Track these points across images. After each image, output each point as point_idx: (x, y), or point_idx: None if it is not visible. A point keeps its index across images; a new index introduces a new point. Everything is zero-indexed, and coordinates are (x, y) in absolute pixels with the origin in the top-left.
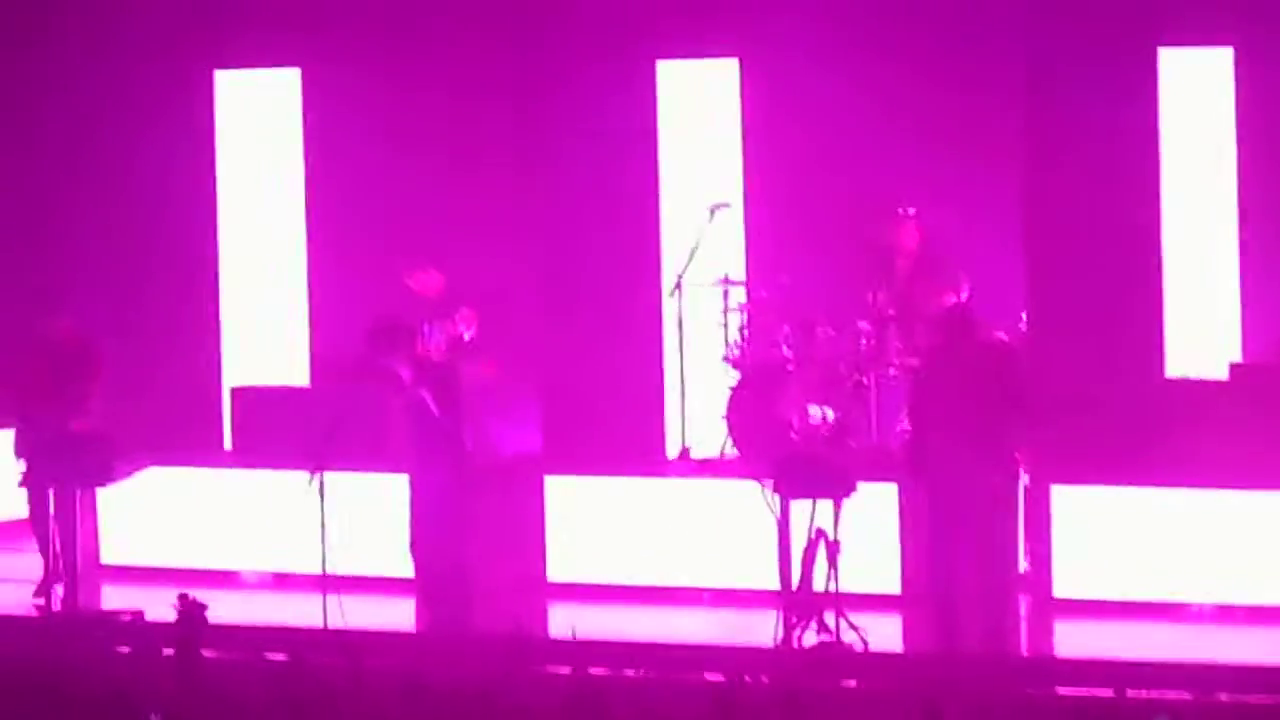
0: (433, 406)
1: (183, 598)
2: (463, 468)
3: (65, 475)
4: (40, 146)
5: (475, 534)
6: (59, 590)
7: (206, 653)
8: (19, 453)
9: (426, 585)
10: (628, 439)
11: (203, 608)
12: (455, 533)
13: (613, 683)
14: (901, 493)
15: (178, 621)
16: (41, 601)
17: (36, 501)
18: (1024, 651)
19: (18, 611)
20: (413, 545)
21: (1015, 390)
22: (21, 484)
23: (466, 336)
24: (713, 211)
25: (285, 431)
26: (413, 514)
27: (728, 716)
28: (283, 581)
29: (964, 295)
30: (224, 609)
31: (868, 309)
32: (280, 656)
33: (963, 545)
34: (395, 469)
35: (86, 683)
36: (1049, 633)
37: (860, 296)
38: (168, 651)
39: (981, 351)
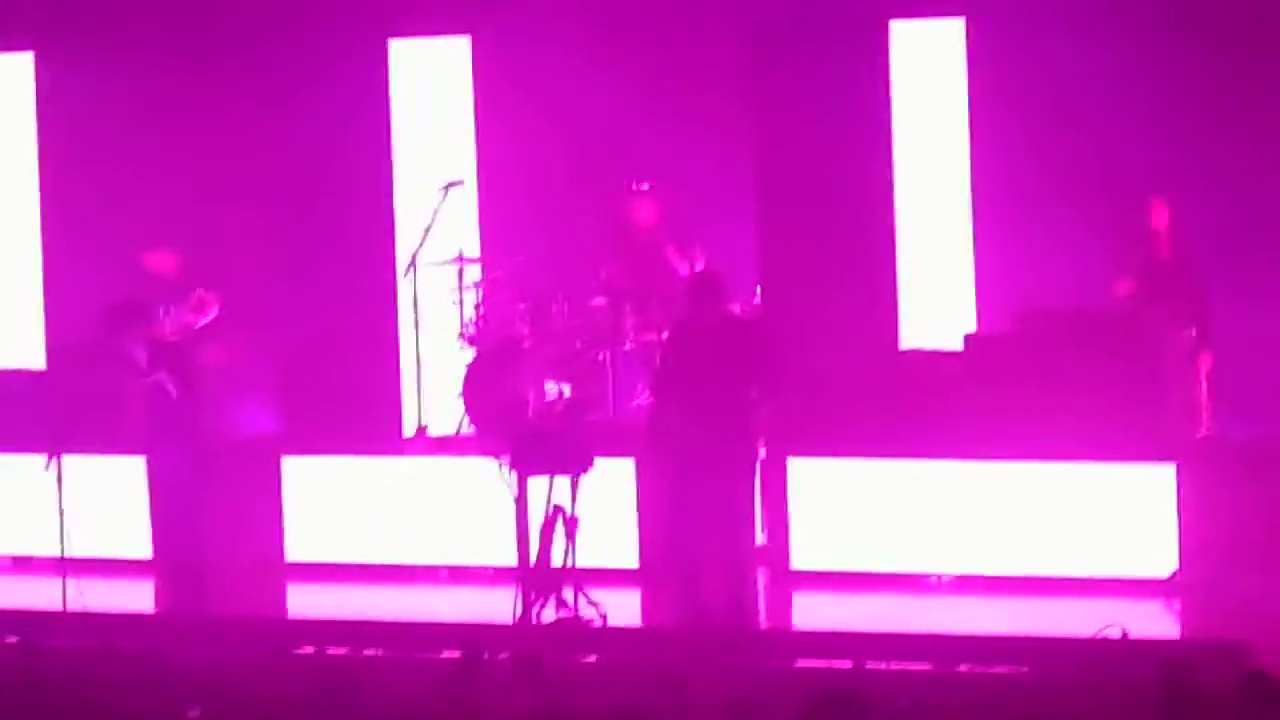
0: (170, 388)
1: None
2: (199, 450)
3: None
4: None
5: (213, 515)
6: None
7: None
8: None
9: (165, 567)
10: (365, 418)
11: None
12: (193, 515)
13: (353, 662)
14: (639, 467)
15: None
16: None
17: None
18: (763, 624)
19: None
20: (152, 527)
21: (752, 363)
22: None
23: (202, 321)
24: (446, 189)
25: (21, 415)
26: (150, 496)
27: (468, 693)
28: (21, 565)
29: (700, 269)
30: None
31: (603, 285)
32: (16, 639)
33: (702, 518)
34: (132, 451)
35: None
36: (787, 605)
37: (596, 273)
38: None
39: (719, 325)
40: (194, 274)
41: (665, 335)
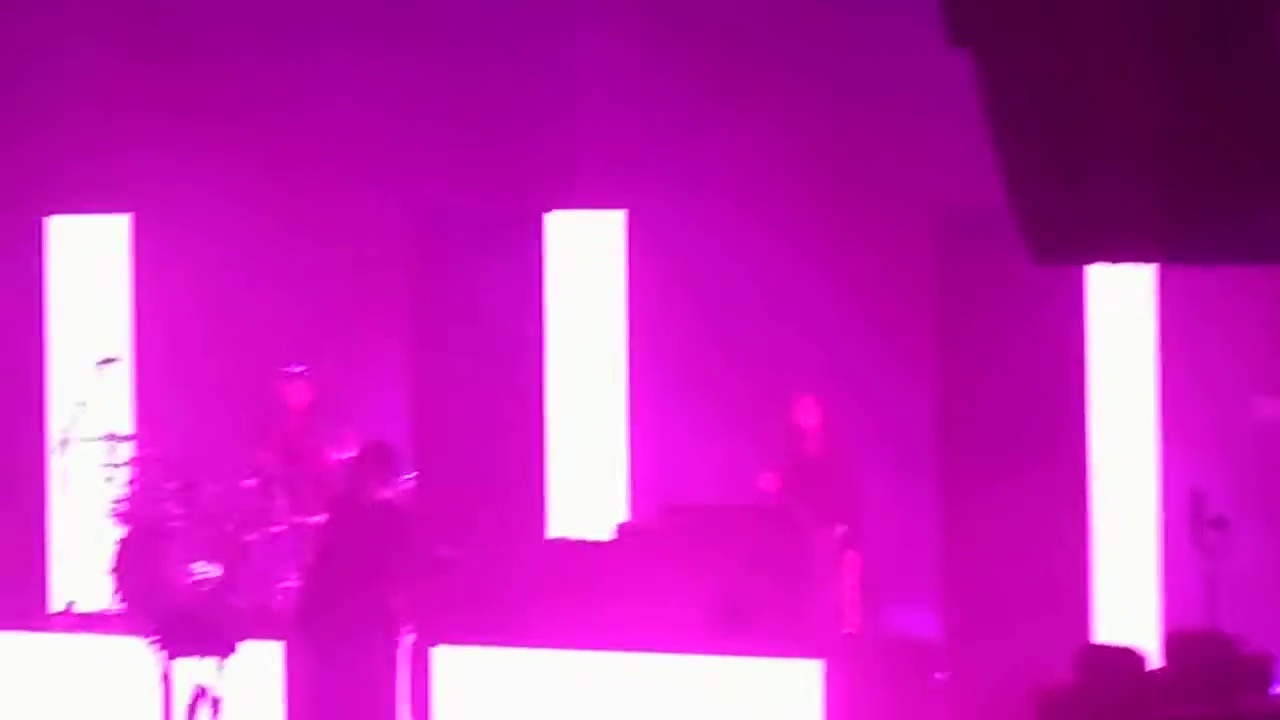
0: None
1: None
2: None
3: None
4: None
5: None
6: None
7: None
8: None
9: None
10: (12, 592)
11: None
12: None
13: None
14: (287, 651)
15: None
16: None
17: None
18: None
19: None
20: None
21: (399, 547)
22: None
23: None
24: (101, 365)
25: None
26: None
27: None
28: None
29: (352, 453)
30: None
31: (254, 466)
32: None
33: (347, 705)
34: None
35: None
36: None
37: (247, 454)
38: None
39: (370, 509)
40: None
41: (317, 515)
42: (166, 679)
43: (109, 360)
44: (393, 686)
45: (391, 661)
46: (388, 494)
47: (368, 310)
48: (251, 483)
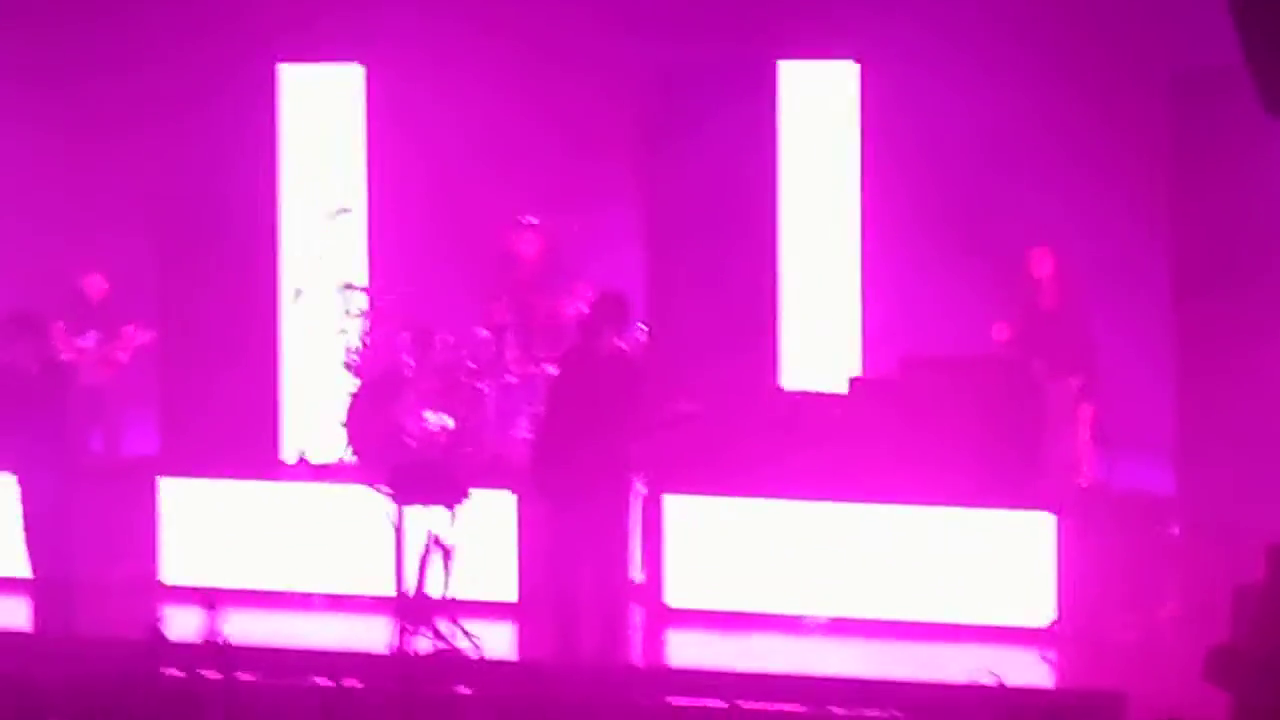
0: (44, 407)
1: None
2: (69, 469)
3: None
4: None
5: (88, 535)
6: None
7: None
8: None
9: (38, 586)
10: (245, 443)
11: None
12: (63, 534)
13: (224, 686)
14: (519, 501)
15: None
16: None
17: None
18: (637, 661)
19: None
20: (25, 546)
21: (634, 399)
22: None
23: (125, 356)
24: (334, 216)
25: None
26: (22, 515)
27: None
28: None
29: (586, 305)
30: None
31: (487, 317)
32: None
33: (579, 553)
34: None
35: None
36: (661, 642)
37: (480, 305)
38: None
39: (604, 361)
40: (121, 304)
41: (553, 367)
42: (399, 528)
43: (342, 211)
44: (625, 535)
45: (624, 510)
46: (622, 345)
47: (600, 162)
48: (484, 333)
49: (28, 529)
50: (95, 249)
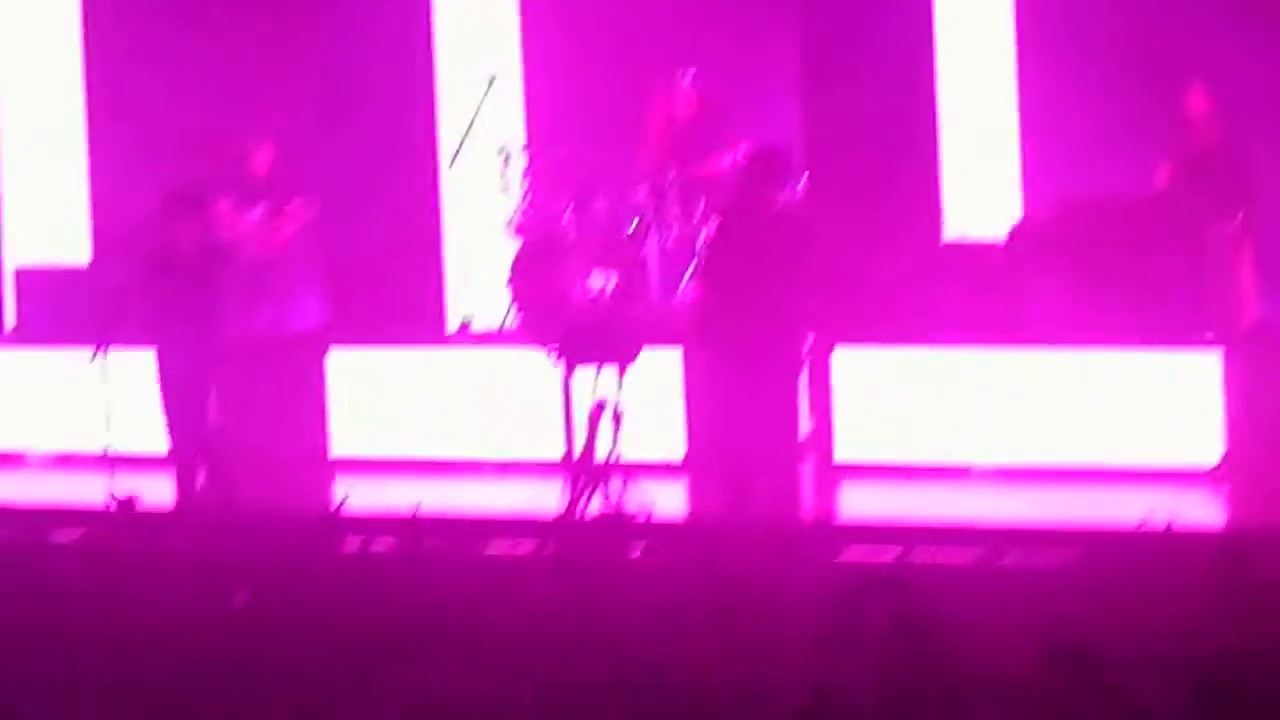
0: (193, 288)
1: None
2: (211, 353)
3: None
4: None
5: (256, 410)
6: None
7: None
8: None
9: (179, 463)
10: (410, 312)
11: None
12: (202, 415)
13: (399, 556)
14: (685, 359)
15: None
16: None
17: None
18: (808, 515)
19: None
20: (165, 423)
21: (797, 253)
22: None
23: (288, 229)
24: (491, 80)
25: (68, 310)
26: (160, 393)
27: (513, 587)
28: (66, 461)
29: (743, 159)
30: (9, 490)
31: (647, 175)
32: (62, 537)
33: (747, 409)
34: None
35: None
36: (832, 496)
37: (642, 163)
38: None
39: (764, 216)
40: (285, 178)
41: (712, 223)
42: (567, 390)
43: (491, 80)
44: (794, 390)
45: (793, 364)
46: (781, 199)
47: (754, 12)
48: (644, 191)
49: (166, 408)
50: (263, 121)
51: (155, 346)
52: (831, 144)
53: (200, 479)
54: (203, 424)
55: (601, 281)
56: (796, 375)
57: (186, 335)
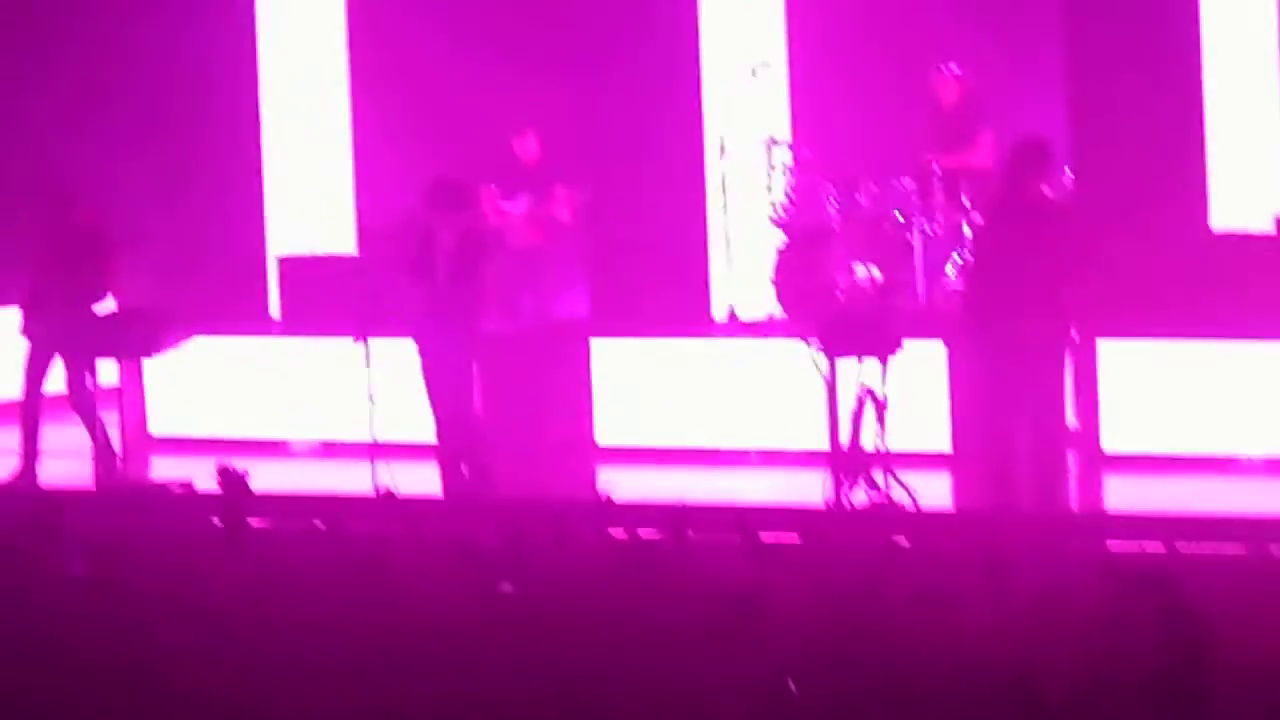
0: (454, 279)
1: (223, 469)
2: (472, 341)
3: (111, 348)
4: (80, 20)
5: (522, 398)
6: (113, 462)
7: (254, 522)
8: (26, 332)
9: (444, 451)
10: (674, 302)
11: (243, 476)
12: (466, 403)
13: (665, 545)
14: (950, 350)
15: (221, 492)
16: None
17: (74, 378)
18: (1074, 507)
19: (68, 485)
20: (431, 411)
21: (1064, 245)
22: (30, 363)
23: (561, 217)
24: (755, 72)
25: (333, 300)
26: (424, 381)
27: (780, 575)
28: (330, 449)
29: (1010, 151)
30: (272, 478)
31: (912, 166)
32: (325, 524)
33: (1015, 402)
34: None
35: (144, 554)
36: (1098, 488)
37: (905, 154)
38: (216, 521)
39: (1031, 208)
40: (555, 166)
41: (976, 214)
42: (831, 381)
43: (762, 65)
44: (1060, 382)
45: (1059, 357)
46: (1048, 191)
47: (1018, 3)
48: (909, 182)
49: (431, 397)
50: (529, 111)
51: (418, 335)
52: (1097, 135)
53: (464, 467)
54: (466, 413)
55: (865, 273)
56: (1062, 366)
57: (450, 324)
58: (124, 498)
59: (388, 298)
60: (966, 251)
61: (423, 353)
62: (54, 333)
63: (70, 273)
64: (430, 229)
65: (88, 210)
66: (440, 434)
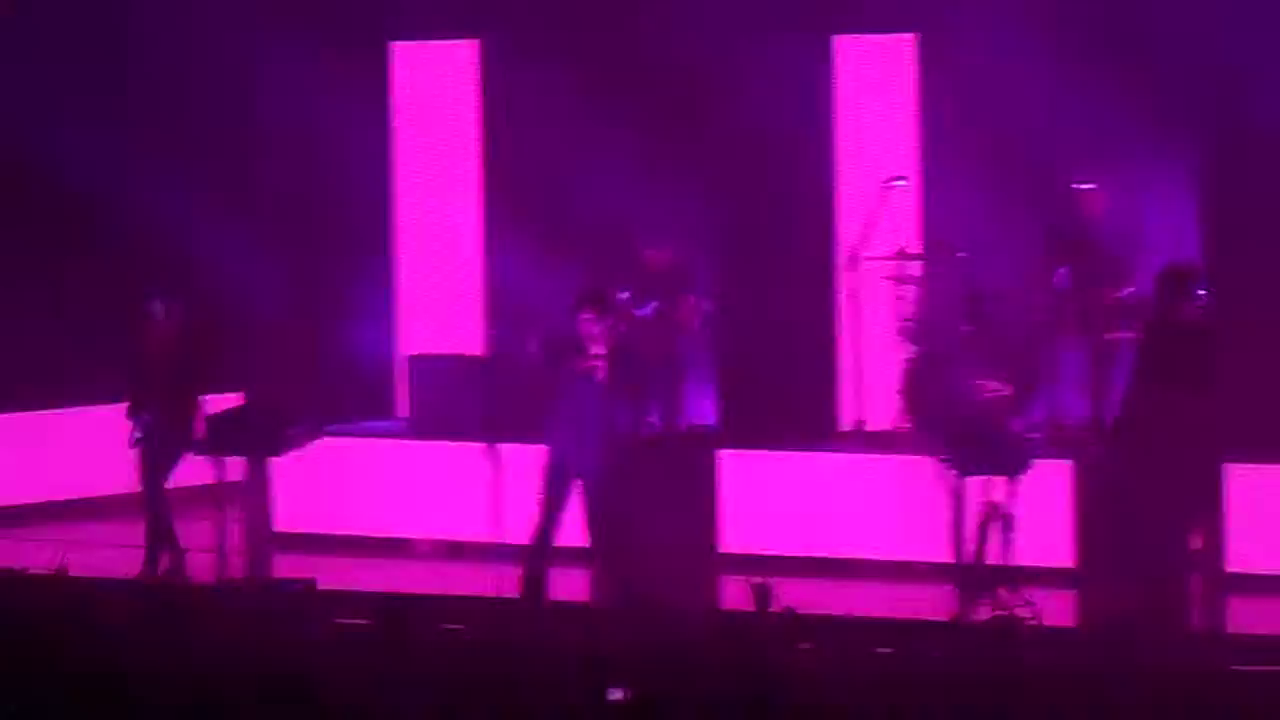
0: (599, 379)
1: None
2: (612, 442)
3: (238, 445)
4: (224, 114)
5: (647, 504)
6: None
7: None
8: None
9: (597, 558)
10: (802, 412)
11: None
12: (617, 509)
13: (783, 655)
14: (1077, 468)
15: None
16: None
17: (147, 474)
18: (1196, 626)
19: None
20: (585, 519)
21: (1207, 368)
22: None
23: (689, 328)
24: (889, 184)
25: (461, 400)
26: (582, 490)
27: (901, 690)
28: (456, 550)
29: (1156, 273)
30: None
31: (1045, 284)
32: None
33: (1151, 519)
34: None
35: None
36: (1223, 609)
37: (1037, 271)
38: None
39: (1176, 330)
40: (684, 275)
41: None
42: (958, 496)
43: (897, 178)
44: (1193, 502)
45: (1211, 476)
46: (1193, 312)
47: (1153, 122)
48: (1042, 299)
49: (585, 504)
50: (661, 218)
51: (552, 438)
52: (1234, 254)
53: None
54: (619, 515)
55: (995, 388)
56: (1197, 486)
57: (584, 429)
58: (244, 593)
59: (515, 400)
60: (1098, 368)
61: (562, 455)
62: (158, 427)
63: (175, 368)
64: (570, 335)
65: (180, 309)
66: (595, 542)
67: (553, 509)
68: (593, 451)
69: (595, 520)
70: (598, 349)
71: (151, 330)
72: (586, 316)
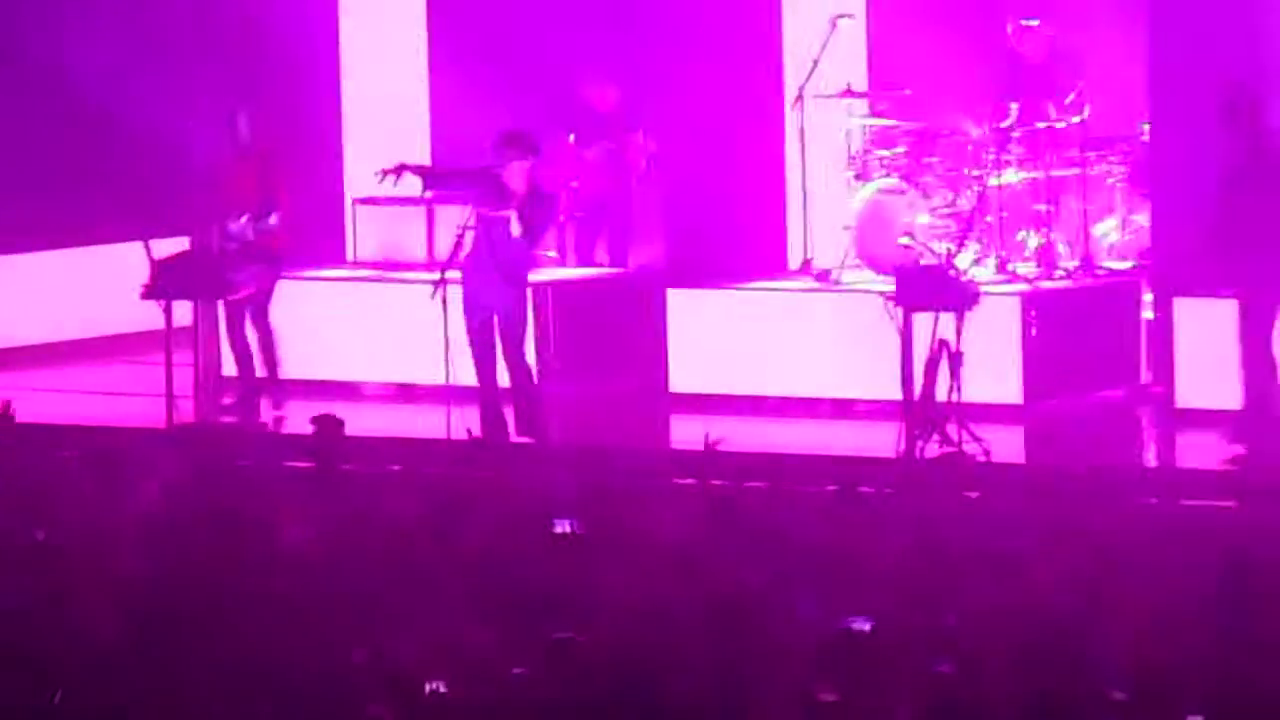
0: (518, 225)
1: (320, 418)
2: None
3: (186, 289)
4: None
5: (598, 346)
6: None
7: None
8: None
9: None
10: (750, 251)
11: (340, 424)
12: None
13: (733, 493)
14: (1024, 303)
15: (315, 439)
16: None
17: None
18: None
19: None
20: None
21: None
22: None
23: (640, 166)
24: (835, 21)
25: (404, 242)
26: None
27: (847, 526)
28: (406, 393)
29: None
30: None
31: (991, 119)
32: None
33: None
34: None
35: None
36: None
37: (984, 107)
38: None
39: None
40: (630, 115)
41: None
42: (906, 334)
43: (843, 15)
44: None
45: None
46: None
47: None
48: (980, 134)
49: (502, 343)
50: (605, 59)
51: (474, 280)
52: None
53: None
54: (522, 359)
55: (941, 225)
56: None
57: (512, 271)
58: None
59: (458, 243)
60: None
61: (475, 294)
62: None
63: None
64: (499, 177)
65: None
66: (481, 376)
67: (479, 348)
68: (503, 290)
69: (511, 359)
70: (517, 189)
71: (234, 146)
72: (508, 155)
